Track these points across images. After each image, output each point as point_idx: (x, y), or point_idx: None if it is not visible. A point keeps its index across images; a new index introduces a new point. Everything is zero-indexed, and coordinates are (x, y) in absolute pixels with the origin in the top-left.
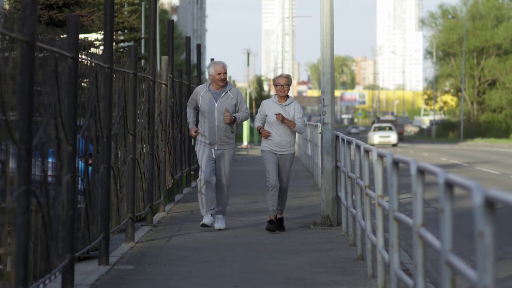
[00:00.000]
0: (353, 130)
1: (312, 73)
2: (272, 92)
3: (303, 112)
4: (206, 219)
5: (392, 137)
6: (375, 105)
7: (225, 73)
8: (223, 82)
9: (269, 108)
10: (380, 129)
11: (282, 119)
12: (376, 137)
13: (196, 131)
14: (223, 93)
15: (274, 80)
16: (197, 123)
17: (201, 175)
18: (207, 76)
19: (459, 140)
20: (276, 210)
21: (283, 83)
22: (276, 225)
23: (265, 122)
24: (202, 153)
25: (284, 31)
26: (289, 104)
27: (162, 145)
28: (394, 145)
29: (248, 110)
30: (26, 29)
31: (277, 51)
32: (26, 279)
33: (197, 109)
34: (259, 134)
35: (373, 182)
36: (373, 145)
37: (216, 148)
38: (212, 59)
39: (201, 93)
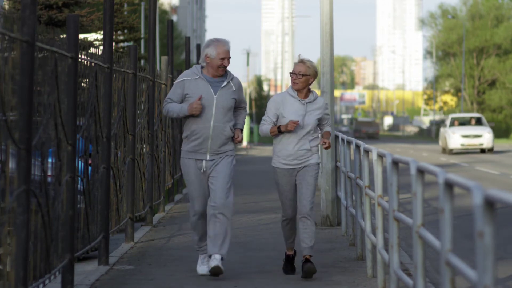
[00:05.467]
0: (343, 129)
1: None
2: (272, 92)
3: None
4: (202, 268)
5: (485, 137)
6: (374, 105)
7: (229, 58)
8: (224, 70)
9: (286, 105)
10: (462, 123)
11: (327, 147)
12: (456, 138)
13: (200, 99)
14: (225, 82)
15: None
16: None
17: (192, 206)
18: None
19: None
20: (294, 242)
21: (298, 71)
22: (294, 265)
23: (275, 124)
24: (190, 174)
25: (284, 31)
26: (313, 101)
27: (162, 145)
28: (487, 151)
29: (246, 105)
30: (26, 29)
31: (277, 51)
32: (26, 279)
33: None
34: (274, 136)
35: (373, 182)
36: (451, 150)
37: (208, 158)
38: None
39: (191, 81)
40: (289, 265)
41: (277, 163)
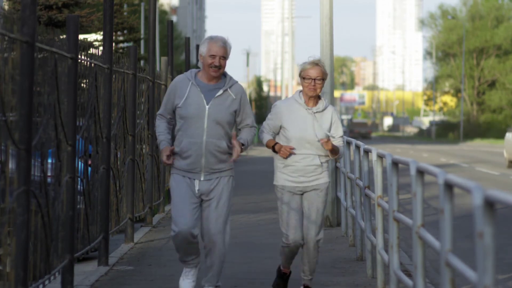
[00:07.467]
0: None
1: None
2: (272, 93)
3: None
4: (185, 282)
5: None
6: (374, 106)
7: (224, 57)
8: (217, 71)
9: (290, 114)
10: None
11: (331, 148)
12: None
13: (170, 153)
14: (221, 91)
15: (301, 70)
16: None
17: (175, 227)
18: None
19: (459, 140)
20: (290, 263)
21: (315, 75)
22: (287, 285)
23: (277, 134)
24: (178, 192)
25: (284, 32)
26: (322, 111)
27: None
28: None
29: (255, 123)
30: (26, 30)
31: (276, 51)
32: (26, 279)
33: (173, 120)
34: (274, 152)
35: (373, 183)
36: None
37: (202, 179)
38: None
39: (182, 87)
40: (281, 283)
41: (281, 181)
